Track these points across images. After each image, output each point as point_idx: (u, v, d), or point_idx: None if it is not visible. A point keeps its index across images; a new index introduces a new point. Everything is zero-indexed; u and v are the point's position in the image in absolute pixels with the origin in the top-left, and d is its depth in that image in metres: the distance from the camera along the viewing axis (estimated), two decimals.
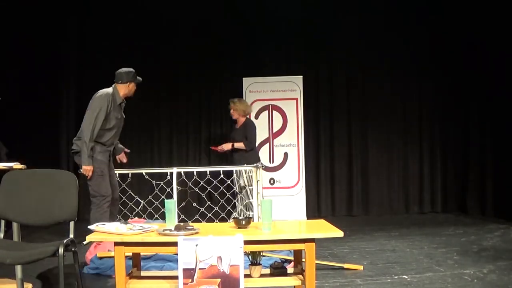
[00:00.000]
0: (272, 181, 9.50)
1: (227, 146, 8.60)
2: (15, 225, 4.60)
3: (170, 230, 3.70)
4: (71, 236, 3.86)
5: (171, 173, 7.79)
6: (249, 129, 8.56)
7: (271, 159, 9.54)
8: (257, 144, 8.93)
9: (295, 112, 9.59)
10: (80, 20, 9.80)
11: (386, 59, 10.06)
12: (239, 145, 8.51)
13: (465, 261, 5.97)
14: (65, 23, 9.66)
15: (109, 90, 6.58)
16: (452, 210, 10.08)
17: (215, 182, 8.26)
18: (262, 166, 8.33)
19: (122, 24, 9.82)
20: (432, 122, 10.28)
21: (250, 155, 8.48)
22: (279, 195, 9.20)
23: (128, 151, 7.29)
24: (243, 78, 9.66)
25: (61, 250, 3.52)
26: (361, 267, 5.71)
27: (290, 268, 4.13)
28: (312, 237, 3.66)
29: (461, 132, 10.05)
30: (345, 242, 7.10)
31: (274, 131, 9.58)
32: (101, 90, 6.56)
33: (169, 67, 9.95)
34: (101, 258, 5.60)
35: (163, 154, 10.14)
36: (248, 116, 8.75)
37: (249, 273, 3.86)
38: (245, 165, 8.18)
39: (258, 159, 8.55)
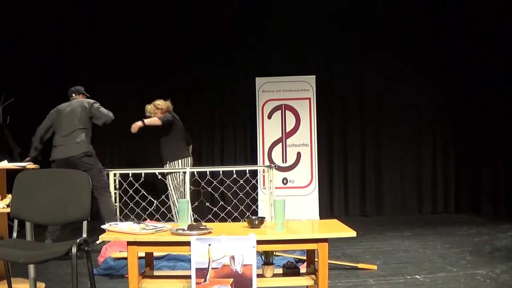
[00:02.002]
0: (285, 181, 9.48)
1: (138, 124, 7.72)
2: (28, 225, 4.62)
3: (183, 229, 3.70)
4: (84, 235, 3.87)
5: (184, 173, 7.81)
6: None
7: (284, 159, 9.53)
8: (267, 144, 8.89)
9: (308, 112, 9.58)
10: (92, 13, 9.78)
11: (399, 58, 10.02)
12: (151, 120, 7.84)
13: (478, 261, 5.93)
14: (78, 17, 9.67)
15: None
16: (465, 210, 10.02)
17: (228, 181, 8.30)
18: (275, 166, 8.32)
19: (133, 24, 9.84)
20: (445, 122, 10.22)
21: (173, 150, 8.00)
22: (292, 195, 9.20)
23: None
24: (256, 78, 9.67)
25: (74, 250, 3.53)
26: (375, 267, 5.70)
27: (303, 268, 4.12)
28: (325, 237, 3.65)
29: (474, 132, 9.98)
30: (358, 242, 7.08)
31: (287, 131, 9.57)
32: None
33: (182, 67, 9.95)
34: (116, 259, 5.61)
35: None
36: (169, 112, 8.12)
37: (262, 273, 3.86)
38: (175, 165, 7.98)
39: (182, 154, 8.05)
